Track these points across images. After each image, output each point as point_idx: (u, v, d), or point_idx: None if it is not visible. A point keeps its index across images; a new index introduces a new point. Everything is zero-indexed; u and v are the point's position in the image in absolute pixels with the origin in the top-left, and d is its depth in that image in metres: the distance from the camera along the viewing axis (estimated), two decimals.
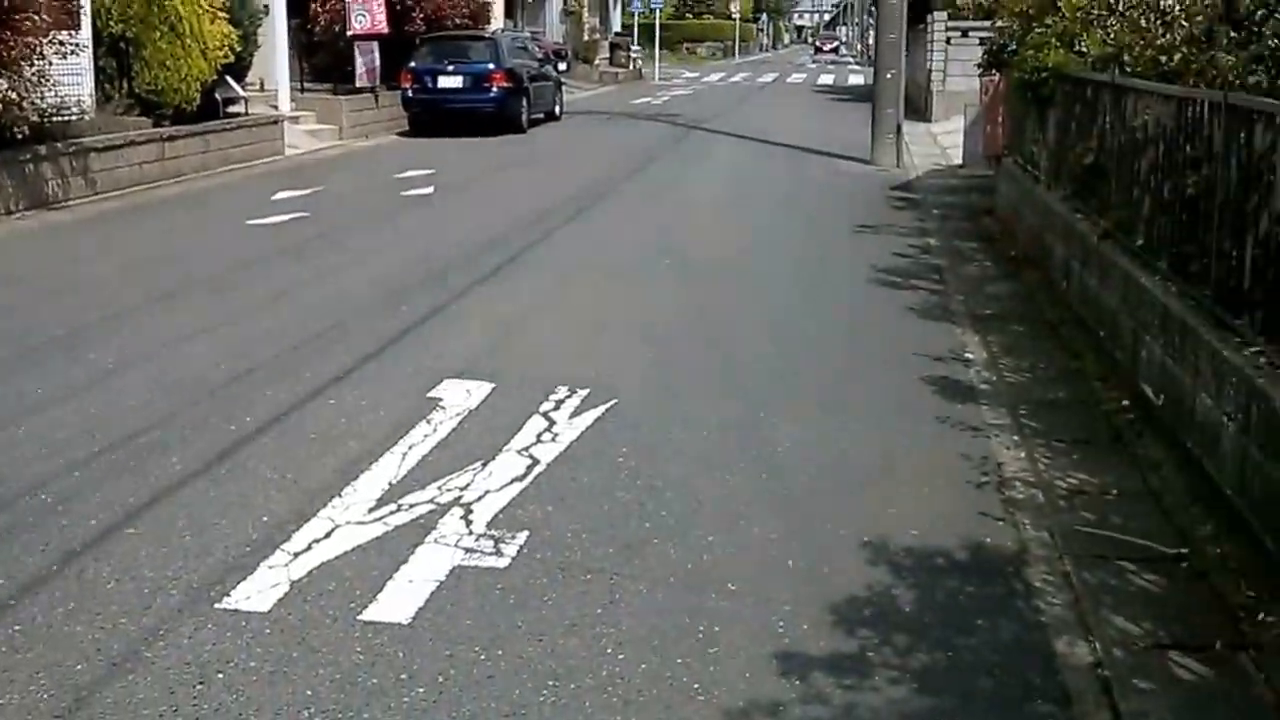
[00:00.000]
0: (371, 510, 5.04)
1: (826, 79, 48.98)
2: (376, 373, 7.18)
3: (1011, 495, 5.25)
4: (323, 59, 23.45)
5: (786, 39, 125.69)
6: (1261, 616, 4.09)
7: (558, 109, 26.78)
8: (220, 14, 17.26)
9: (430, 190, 15.37)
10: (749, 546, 4.75)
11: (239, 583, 4.40)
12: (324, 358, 7.46)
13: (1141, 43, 7.23)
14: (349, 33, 22.24)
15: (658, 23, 51.16)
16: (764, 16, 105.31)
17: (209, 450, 5.79)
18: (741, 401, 6.66)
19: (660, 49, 51.23)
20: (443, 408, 6.43)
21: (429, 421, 6.19)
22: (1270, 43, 5.20)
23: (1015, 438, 6.02)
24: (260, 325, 8.36)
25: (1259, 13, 5.33)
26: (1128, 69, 7.43)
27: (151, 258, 11.14)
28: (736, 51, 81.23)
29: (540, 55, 27.06)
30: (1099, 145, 7.85)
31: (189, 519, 4.98)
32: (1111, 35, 8.06)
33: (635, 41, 50.69)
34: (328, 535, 4.80)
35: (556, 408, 6.42)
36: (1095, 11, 8.62)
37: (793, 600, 4.29)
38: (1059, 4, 9.51)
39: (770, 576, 4.48)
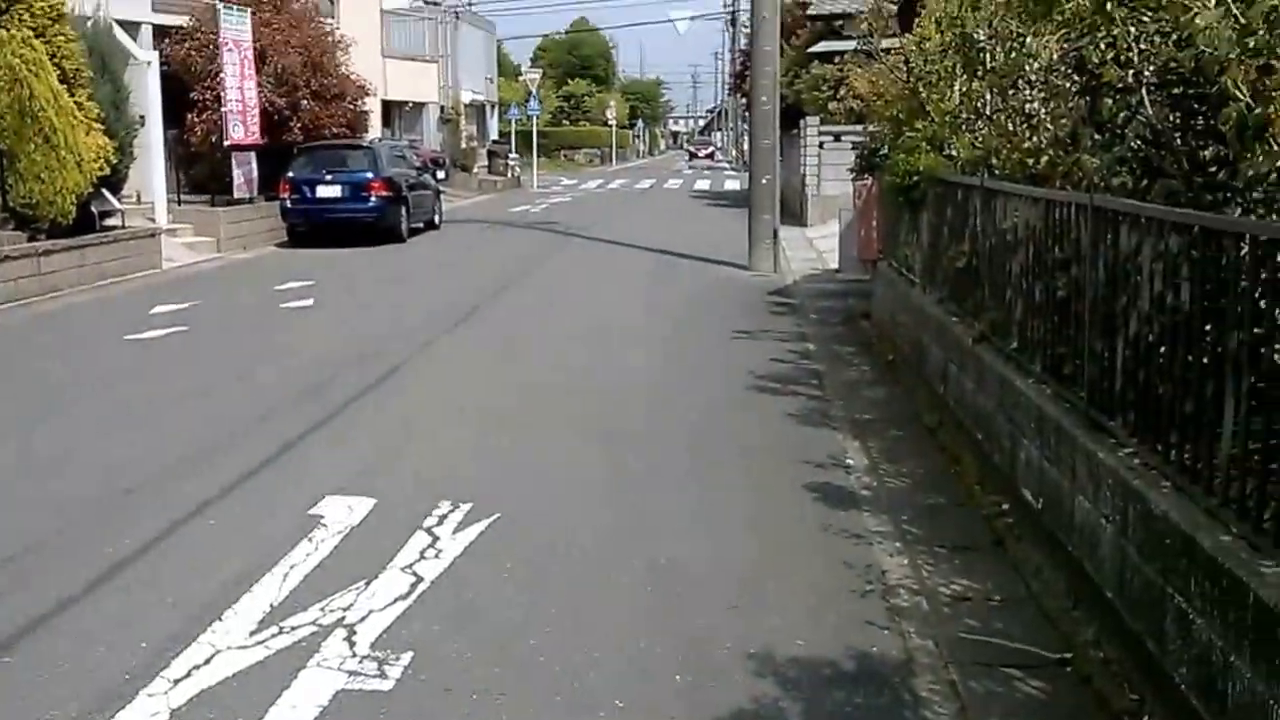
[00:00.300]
0: (253, 633, 4.90)
1: (703, 184, 49.73)
2: (256, 491, 7.05)
3: (896, 603, 5.24)
4: (200, 170, 23.32)
5: (663, 145, 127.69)
6: None
7: (437, 218, 26.76)
8: (95, 126, 17.10)
9: (310, 302, 15.21)
10: (636, 661, 4.67)
11: (118, 712, 4.26)
12: (203, 476, 7.30)
13: (1009, 146, 7.42)
14: (226, 143, 22.10)
15: (535, 130, 51.61)
16: (640, 123, 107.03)
17: (86, 574, 5.63)
18: (624, 513, 6.62)
19: (538, 156, 51.65)
20: (324, 525, 6.29)
21: (310, 540, 6.06)
22: (1133, 144, 5.36)
23: (898, 544, 6.03)
24: (137, 443, 8.17)
25: (1121, 115, 5.49)
26: (996, 172, 7.61)
27: (26, 374, 10.93)
28: (614, 158, 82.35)
29: (418, 164, 27.14)
30: (971, 248, 7.99)
31: (67, 646, 4.82)
32: (980, 139, 8.26)
33: (513, 149, 50.99)
34: (208, 661, 4.66)
35: (440, 523, 6.32)
36: (964, 116, 8.84)
37: (682, 716, 4.22)
38: (928, 109, 9.74)
39: (658, 692, 4.41)
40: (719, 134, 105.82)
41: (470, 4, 57.88)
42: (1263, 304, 3.74)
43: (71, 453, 7.92)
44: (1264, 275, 3.72)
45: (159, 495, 6.94)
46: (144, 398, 9.76)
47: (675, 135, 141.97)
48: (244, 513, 6.61)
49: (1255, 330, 3.75)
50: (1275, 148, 4.10)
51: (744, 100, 37.87)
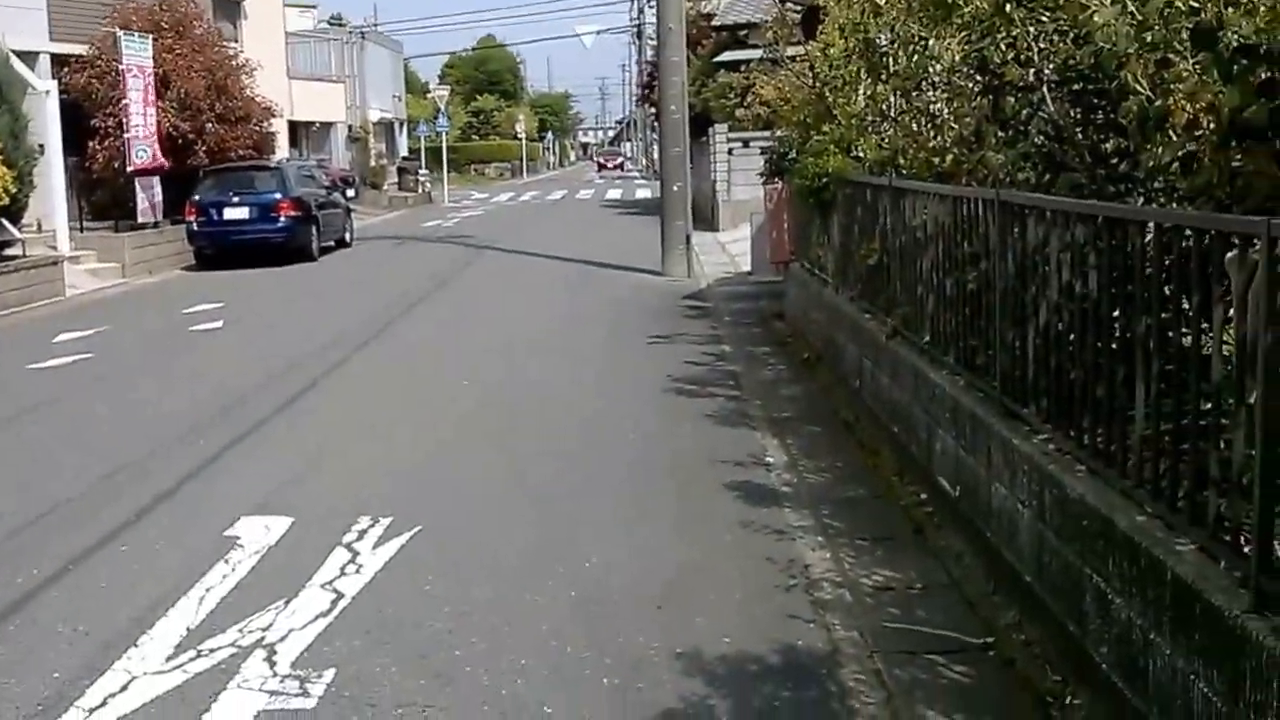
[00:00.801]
0: (170, 658, 4.81)
1: (614, 194, 49.83)
2: (171, 513, 6.94)
3: (820, 596, 5.28)
4: (103, 196, 22.93)
5: (573, 156, 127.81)
6: (1069, 700, 4.17)
7: (348, 235, 26.57)
8: None
9: (219, 324, 14.98)
10: (562, 668, 4.65)
11: None
12: (116, 501, 7.19)
13: (915, 145, 7.52)
14: (129, 169, 21.77)
15: (445, 145, 51.43)
16: (549, 135, 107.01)
17: None
18: (545, 519, 6.60)
19: (448, 171, 51.47)
20: (241, 546, 6.20)
21: (227, 561, 5.97)
22: (1036, 140, 5.45)
23: (819, 538, 6.08)
24: (48, 469, 8.02)
25: (1023, 112, 5.58)
26: (904, 172, 7.71)
27: None
28: (524, 170, 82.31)
29: (328, 183, 26.92)
30: (882, 246, 8.08)
31: None
32: (886, 140, 8.36)
33: (423, 165, 50.84)
34: (124, 688, 4.56)
35: (359, 538, 6.25)
36: (870, 118, 8.94)
37: (611, 719, 4.21)
38: (834, 113, 9.84)
39: (586, 697, 4.39)
40: (628, 144, 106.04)
41: (376, 25, 57.66)
42: (1168, 289, 3.82)
43: None
44: (1168, 261, 3.79)
45: (70, 522, 6.80)
46: (51, 426, 9.60)
47: (585, 146, 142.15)
48: (158, 537, 6.49)
49: (1162, 314, 3.82)
50: (1175, 138, 4.18)
51: (653, 110, 38.04)
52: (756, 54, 20.95)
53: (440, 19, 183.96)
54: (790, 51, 13.43)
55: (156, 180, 22.48)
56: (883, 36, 8.21)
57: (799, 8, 20.15)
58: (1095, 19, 4.49)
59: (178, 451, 8.40)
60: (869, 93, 8.82)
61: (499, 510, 6.83)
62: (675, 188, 19.40)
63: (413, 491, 7.20)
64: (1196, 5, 4.13)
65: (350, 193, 32.89)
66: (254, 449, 8.49)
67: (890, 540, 6.02)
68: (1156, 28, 4.27)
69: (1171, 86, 4.29)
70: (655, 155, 39.72)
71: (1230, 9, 4.00)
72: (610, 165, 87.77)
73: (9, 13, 20.90)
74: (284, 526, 6.50)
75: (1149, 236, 3.88)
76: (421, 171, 49.43)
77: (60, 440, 8.94)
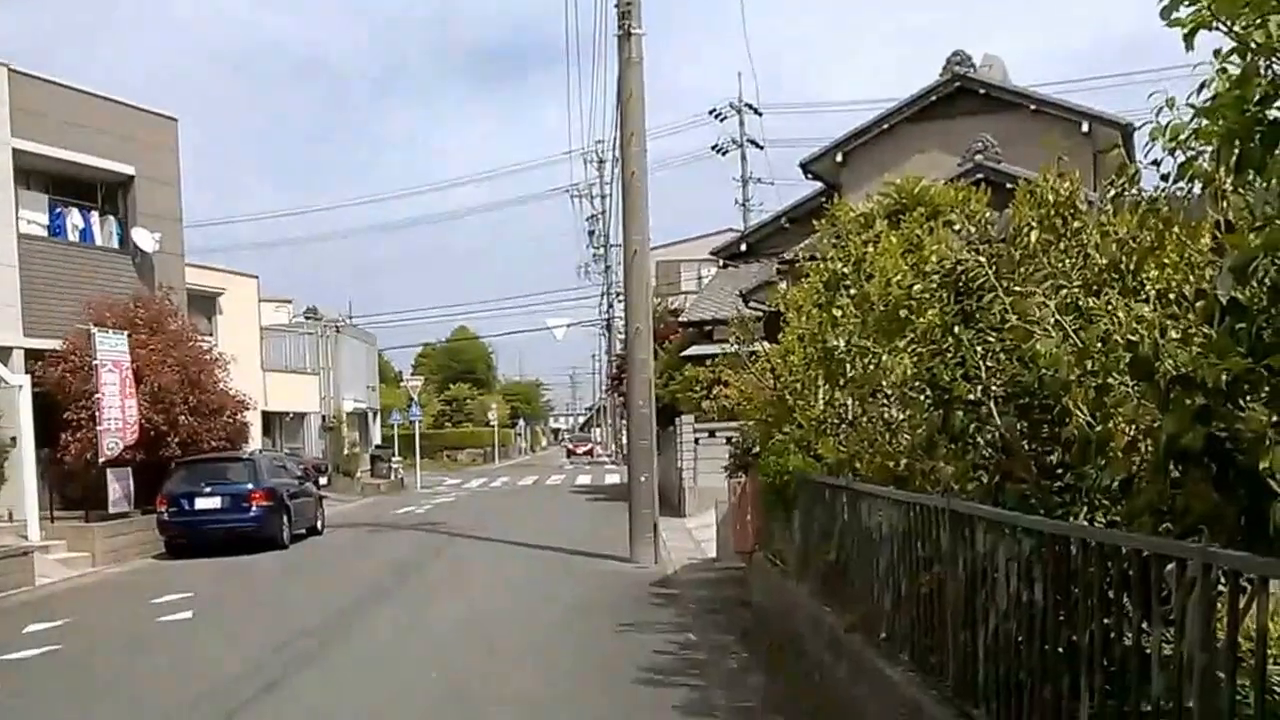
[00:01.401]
0: None
1: (584, 479, 50.11)
2: None
3: None
4: (74, 487, 23.02)
5: (544, 441, 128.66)
6: None
7: (320, 523, 26.68)
8: None
9: (189, 615, 14.92)
10: None
11: None
12: None
13: (872, 450, 7.84)
14: (101, 460, 22.01)
15: (417, 433, 51.96)
16: (521, 421, 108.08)
17: None
18: None
19: (421, 457, 51.83)
20: None
21: None
22: (984, 453, 5.76)
23: None
24: None
25: (972, 426, 5.91)
26: (861, 473, 8.01)
27: None
28: (496, 456, 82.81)
29: (300, 471, 27.18)
30: (839, 543, 8.32)
31: None
32: (844, 442, 8.69)
33: (396, 452, 51.28)
34: None
35: None
36: (829, 420, 9.30)
37: None
38: (795, 415, 10.22)
39: None
40: (598, 429, 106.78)
41: (350, 318, 59.02)
42: (1110, 594, 4.04)
43: None
44: (1109, 571, 4.03)
45: None
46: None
47: (556, 432, 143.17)
48: None
49: (1105, 622, 4.03)
50: (1117, 458, 4.45)
51: (621, 400, 38.71)
52: (721, 349, 21.65)
53: (414, 311, 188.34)
54: (752, 349, 13.95)
55: (129, 471, 22.71)
56: (840, 343, 8.63)
57: (761, 310, 21.00)
58: (1038, 347, 4.84)
59: None
60: (827, 397, 9.21)
61: None
62: (642, 479, 19.73)
63: None
64: (1134, 339, 4.46)
65: (323, 480, 33.16)
66: None
67: None
68: (1096, 355, 4.60)
69: (1112, 410, 4.59)
70: (624, 441, 40.23)
71: (1165, 340, 4.31)
72: (580, 451, 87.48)
73: None
74: None
75: (1091, 550, 4.13)
76: (395, 459, 49.79)
77: None
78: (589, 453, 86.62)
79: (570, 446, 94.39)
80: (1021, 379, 5.41)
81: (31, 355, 23.16)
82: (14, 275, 23.07)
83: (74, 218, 26.16)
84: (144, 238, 26.79)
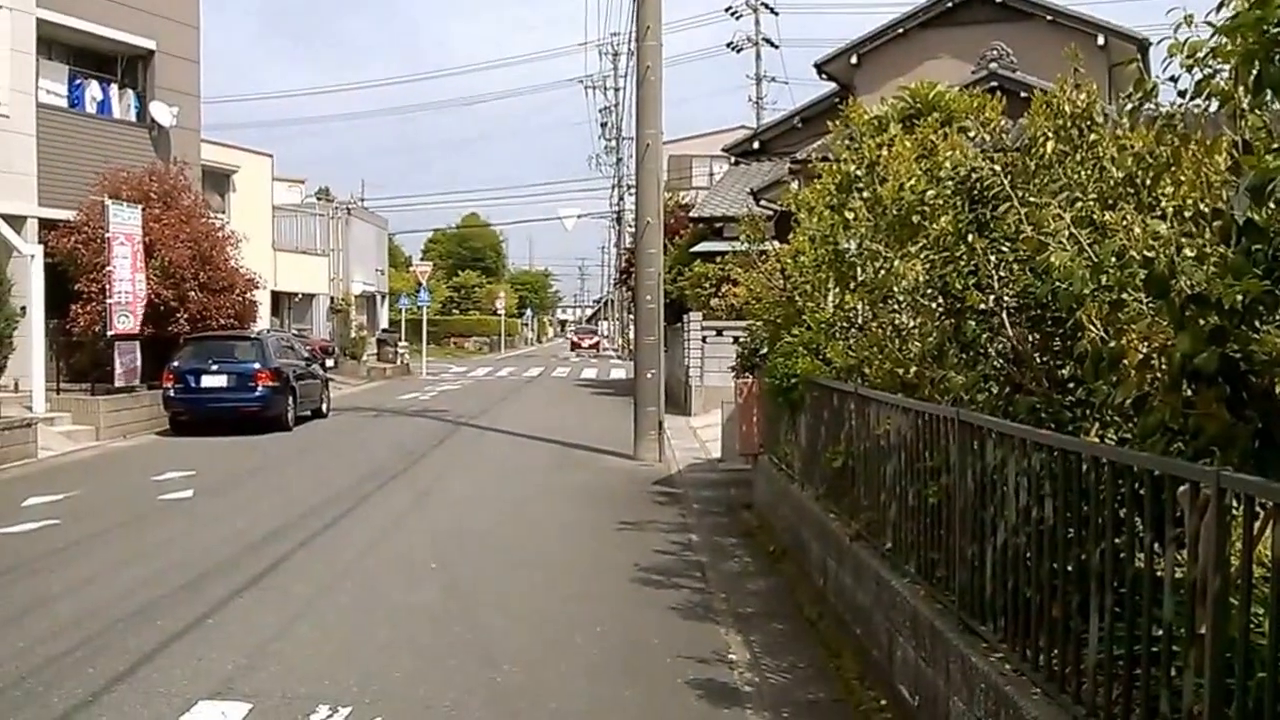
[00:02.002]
0: None
1: (590, 373, 50.23)
2: (127, 696, 6.84)
3: None
4: (81, 359, 23.24)
5: (551, 332, 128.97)
6: None
7: (325, 406, 26.81)
8: None
9: (189, 494, 14.99)
10: None
11: None
12: (73, 679, 7.11)
13: (881, 355, 7.74)
14: (110, 333, 22.03)
15: (425, 319, 52.04)
16: (529, 311, 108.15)
17: None
18: (506, 715, 6.58)
19: (428, 344, 51.95)
20: None
21: None
22: (995, 363, 5.66)
23: None
24: (5, 643, 7.92)
25: (984, 335, 5.80)
26: (870, 379, 7.92)
27: None
28: (503, 345, 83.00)
29: (307, 353, 27.24)
30: (847, 449, 8.25)
31: None
32: (853, 347, 8.58)
33: (403, 337, 51.40)
34: None
35: None
36: (838, 324, 9.19)
37: None
38: (804, 316, 10.10)
39: None
40: (605, 323, 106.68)
41: (362, 200, 58.89)
42: (1122, 513, 3.96)
43: None
44: (1121, 490, 3.95)
45: (25, 700, 6.73)
46: (13, 593, 9.50)
47: (563, 324, 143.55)
48: (114, 719, 6.42)
49: (1116, 542, 3.96)
50: (1131, 378, 4.35)
51: (629, 294, 38.58)
52: (732, 246, 21.51)
53: (426, 196, 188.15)
54: (762, 248, 13.80)
55: (136, 345, 22.78)
56: (851, 246, 8.49)
57: (772, 209, 20.80)
58: (1053, 259, 4.72)
59: (137, 628, 8.34)
60: (837, 300, 9.09)
61: (458, 702, 6.78)
62: (649, 375, 19.70)
63: (373, 680, 7.14)
64: (1150, 255, 4.35)
65: (329, 363, 33.25)
66: (213, 630, 8.41)
67: None
68: (1111, 270, 4.49)
69: (1126, 327, 4.49)
70: (631, 336, 40.22)
71: (1181, 258, 4.21)
72: (585, 345, 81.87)
73: (1, 178, 21.38)
74: (241, 713, 6.46)
75: (1104, 468, 4.04)
76: (401, 344, 49.98)
77: (18, 614, 8.81)
78: (594, 347, 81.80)
79: (574, 339, 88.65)
80: (1034, 290, 5.30)
81: (45, 225, 23.28)
82: (31, 144, 23.15)
83: (93, 90, 26.41)
84: (162, 112, 26.92)
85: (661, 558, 10.91)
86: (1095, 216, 5.18)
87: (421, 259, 72.92)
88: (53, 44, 25.15)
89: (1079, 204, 5.32)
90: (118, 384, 22.48)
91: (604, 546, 11.65)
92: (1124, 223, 4.90)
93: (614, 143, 67.26)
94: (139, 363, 22.86)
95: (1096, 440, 4.68)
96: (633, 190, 31.06)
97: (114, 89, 27.05)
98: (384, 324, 55.72)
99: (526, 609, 9.11)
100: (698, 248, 29.35)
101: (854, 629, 7.59)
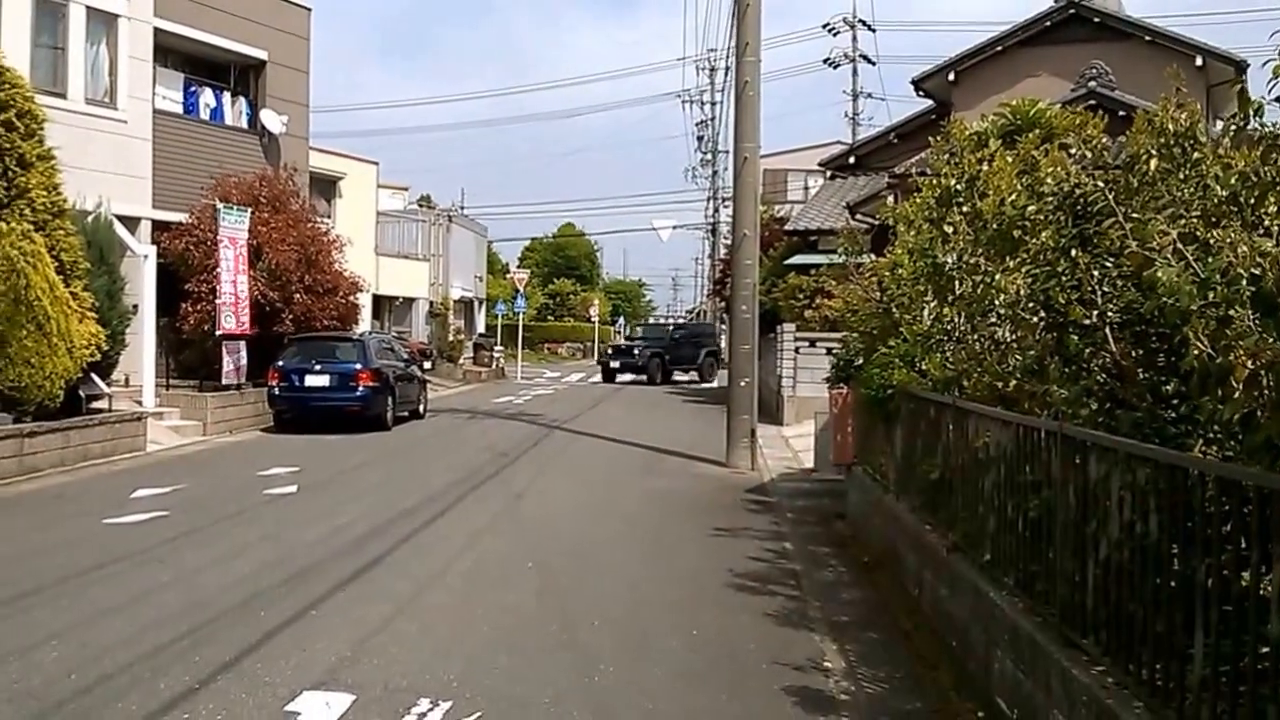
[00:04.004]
0: None
1: (681, 378, 50.21)
2: (233, 684, 7.01)
3: None
4: (190, 356, 23.97)
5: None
6: None
7: (422, 407, 27.25)
8: (89, 314, 17.58)
9: (293, 489, 15.35)
10: None
11: None
12: (180, 667, 7.30)
13: (979, 369, 7.73)
14: (218, 332, 22.67)
15: (520, 324, 52.51)
16: (621, 319, 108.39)
17: None
18: (602, 715, 6.64)
19: (522, 349, 52.39)
20: None
21: None
22: (1099, 378, 5.66)
23: None
24: (115, 631, 8.15)
25: (1086, 350, 5.81)
26: (967, 392, 7.91)
27: (1, 557, 10.80)
28: (596, 352, 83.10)
29: (406, 355, 27.70)
30: (944, 461, 8.25)
31: None
32: (951, 359, 8.58)
33: (498, 341, 51.90)
34: None
35: None
36: (935, 337, 9.18)
37: None
38: (901, 329, 10.11)
39: None
40: None
41: (463, 208, 59.72)
42: (1227, 529, 3.96)
43: (47, 640, 7.86)
44: (1227, 506, 3.95)
45: (135, 686, 6.90)
46: (122, 582, 9.75)
47: None
48: (220, 707, 6.57)
49: (1222, 558, 3.96)
50: (1238, 395, 4.35)
51: (723, 304, 38.54)
52: (825, 260, 21.55)
53: (524, 206, 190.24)
54: (859, 260, 13.81)
55: (243, 344, 23.47)
56: (950, 259, 8.50)
57: (869, 223, 20.78)
58: (1159, 275, 4.72)
59: (244, 619, 8.56)
60: (935, 313, 9.09)
61: (556, 701, 6.87)
62: (742, 383, 19.75)
63: (472, 676, 7.26)
64: (1257, 272, 4.34)
65: (427, 365, 33.75)
66: (319, 621, 8.62)
67: None
68: (1218, 287, 4.48)
69: (1233, 343, 4.48)
70: (724, 345, 40.19)
71: None
72: None
73: (117, 180, 22.20)
74: (345, 704, 6.60)
75: (1209, 484, 4.05)
76: (497, 348, 50.49)
77: (127, 602, 9.05)
78: None
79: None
80: (1139, 306, 5.30)
81: (158, 226, 24.15)
82: (147, 149, 24.05)
83: (206, 97, 27.40)
84: (272, 119, 27.76)
85: (755, 565, 10.95)
86: (1200, 233, 5.17)
87: (518, 266, 73.33)
88: (169, 53, 26.08)
89: (1183, 221, 5.32)
90: (224, 381, 23.17)
91: (697, 552, 11.71)
92: (1229, 240, 4.89)
93: (709, 156, 67.25)
94: (245, 361, 23.52)
95: (1202, 456, 4.67)
96: (727, 203, 31.22)
97: (227, 97, 28.01)
98: (480, 329, 56.36)
99: (621, 611, 9.19)
100: (792, 260, 29.33)
101: (949, 640, 7.59)
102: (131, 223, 22.67)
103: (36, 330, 16.15)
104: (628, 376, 45.20)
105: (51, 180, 17.61)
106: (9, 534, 12.16)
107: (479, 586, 9.98)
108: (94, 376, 18.26)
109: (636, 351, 46.80)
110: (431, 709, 6.55)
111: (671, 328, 56.46)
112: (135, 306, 20.99)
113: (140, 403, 21.15)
